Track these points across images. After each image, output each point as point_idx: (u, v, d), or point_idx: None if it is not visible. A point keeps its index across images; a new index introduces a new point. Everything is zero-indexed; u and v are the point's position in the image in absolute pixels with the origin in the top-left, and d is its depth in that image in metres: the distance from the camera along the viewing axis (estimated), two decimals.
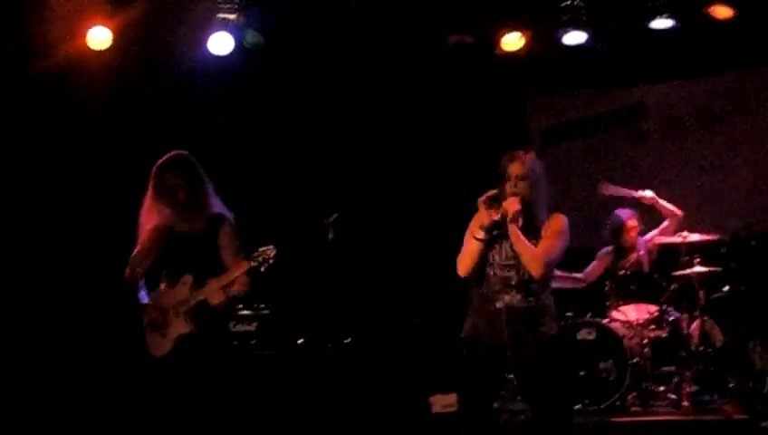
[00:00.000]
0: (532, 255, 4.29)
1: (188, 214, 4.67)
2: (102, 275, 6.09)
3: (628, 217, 7.08)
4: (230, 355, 4.76)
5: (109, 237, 6.63)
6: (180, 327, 4.54)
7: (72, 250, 7.06)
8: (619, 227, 7.08)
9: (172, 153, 4.75)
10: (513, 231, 4.30)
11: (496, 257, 4.40)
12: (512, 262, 4.35)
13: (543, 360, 4.32)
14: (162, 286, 4.73)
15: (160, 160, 4.72)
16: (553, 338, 4.41)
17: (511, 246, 4.35)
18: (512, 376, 5.83)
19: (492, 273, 4.39)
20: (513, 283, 4.33)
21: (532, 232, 4.37)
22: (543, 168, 4.57)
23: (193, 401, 4.52)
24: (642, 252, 6.98)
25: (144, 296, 4.75)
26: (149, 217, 4.72)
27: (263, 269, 4.44)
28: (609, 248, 7.18)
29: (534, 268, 4.29)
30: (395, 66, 7.81)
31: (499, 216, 4.31)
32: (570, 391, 6.10)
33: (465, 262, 4.42)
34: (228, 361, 4.69)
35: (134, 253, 4.75)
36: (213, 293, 4.47)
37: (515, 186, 4.36)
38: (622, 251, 7.08)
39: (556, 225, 4.44)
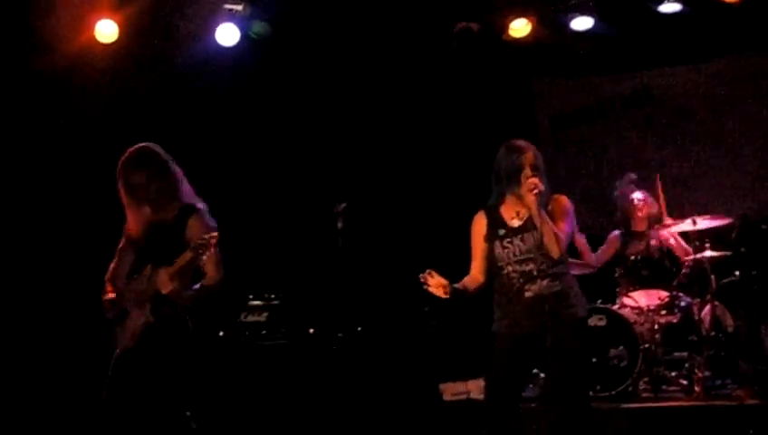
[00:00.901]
0: (556, 235, 4.33)
1: (160, 205, 4.65)
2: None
3: (635, 198, 7.02)
4: (189, 347, 4.66)
5: (115, 230, 6.66)
6: (139, 318, 4.54)
7: (79, 244, 7.08)
8: (627, 209, 7.04)
9: (133, 149, 4.71)
10: (540, 213, 4.33)
11: (510, 255, 4.43)
12: (528, 255, 4.38)
13: (576, 342, 4.37)
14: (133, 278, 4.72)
15: (122, 158, 4.70)
16: (584, 320, 4.49)
17: (522, 240, 4.39)
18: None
19: (510, 270, 4.43)
20: (535, 273, 4.36)
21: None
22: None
23: (148, 392, 4.49)
24: (654, 242, 6.94)
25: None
26: (129, 212, 4.72)
27: (204, 257, 4.39)
28: (617, 233, 7.14)
29: (555, 249, 4.32)
30: (402, 54, 7.79)
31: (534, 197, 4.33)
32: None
33: (482, 261, 4.54)
34: (186, 352, 4.63)
35: (119, 246, 4.81)
36: (163, 282, 4.44)
37: (533, 175, 4.39)
38: (632, 235, 7.04)
39: (562, 206, 4.50)
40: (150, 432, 4.52)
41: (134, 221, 4.71)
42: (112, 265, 4.81)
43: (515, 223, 4.45)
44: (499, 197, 4.54)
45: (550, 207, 4.45)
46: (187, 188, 4.75)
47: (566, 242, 4.41)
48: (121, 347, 4.59)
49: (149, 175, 4.62)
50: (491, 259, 4.51)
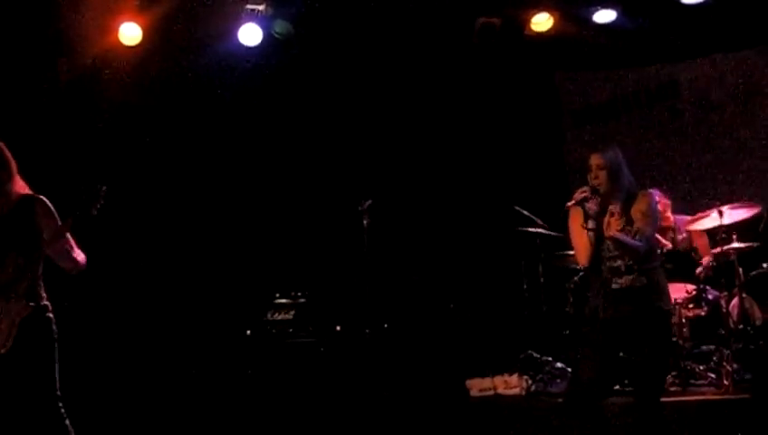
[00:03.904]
0: (630, 245, 4.44)
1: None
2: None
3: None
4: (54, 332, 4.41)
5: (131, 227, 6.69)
6: (13, 311, 4.27)
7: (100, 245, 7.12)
8: None
9: None
10: (608, 224, 4.47)
11: (604, 252, 4.56)
12: (616, 252, 4.51)
13: (659, 333, 4.49)
14: None
15: None
16: (668, 313, 4.60)
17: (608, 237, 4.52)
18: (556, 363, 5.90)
19: (604, 262, 4.56)
20: (623, 269, 4.51)
21: (623, 214, 4.54)
22: (622, 157, 4.70)
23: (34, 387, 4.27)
24: (683, 235, 6.91)
25: None
26: None
27: (95, 212, 4.33)
28: None
29: (632, 255, 4.46)
30: (424, 51, 7.80)
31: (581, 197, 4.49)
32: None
33: (583, 253, 4.61)
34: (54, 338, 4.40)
35: None
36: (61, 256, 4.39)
37: (596, 177, 4.55)
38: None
39: (643, 206, 4.56)
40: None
41: None
42: None
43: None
44: None
45: (636, 204, 4.55)
46: (20, 181, 4.54)
47: (644, 242, 4.47)
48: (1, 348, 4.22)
49: None
50: (598, 245, 4.60)
